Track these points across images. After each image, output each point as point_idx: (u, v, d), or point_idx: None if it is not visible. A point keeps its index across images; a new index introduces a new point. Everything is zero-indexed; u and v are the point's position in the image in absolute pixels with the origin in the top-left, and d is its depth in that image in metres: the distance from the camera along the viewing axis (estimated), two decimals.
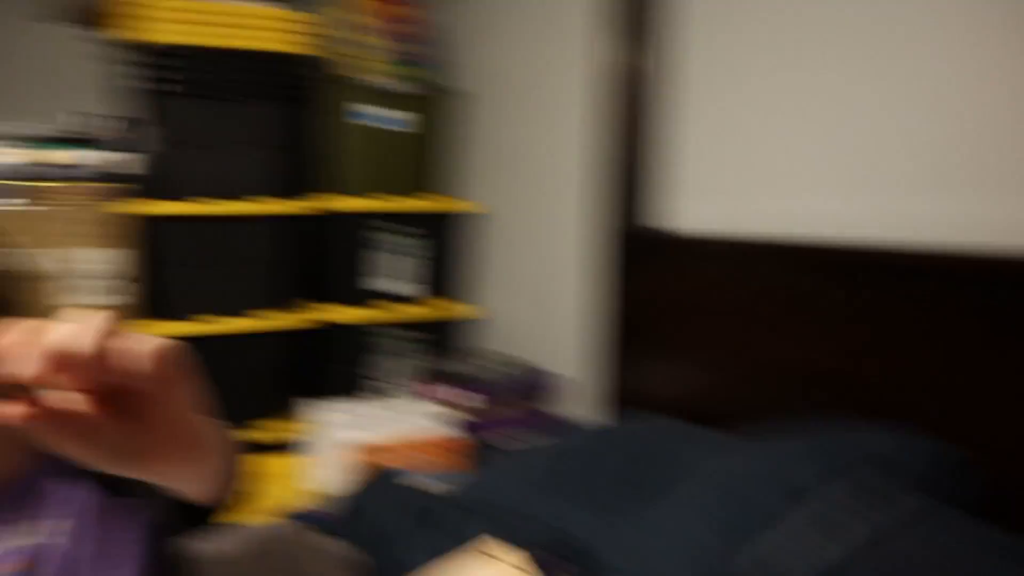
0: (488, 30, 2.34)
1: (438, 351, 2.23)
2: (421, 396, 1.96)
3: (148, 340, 0.42)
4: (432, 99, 2.28)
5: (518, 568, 0.93)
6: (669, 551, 0.90)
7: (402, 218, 2.23)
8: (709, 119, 1.47)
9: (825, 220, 1.23)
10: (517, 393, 1.88)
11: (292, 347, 2.15)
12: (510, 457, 1.36)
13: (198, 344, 0.87)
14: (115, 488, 0.80)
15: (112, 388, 0.42)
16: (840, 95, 1.23)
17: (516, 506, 1.08)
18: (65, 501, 0.80)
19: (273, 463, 1.67)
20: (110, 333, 0.41)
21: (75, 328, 0.40)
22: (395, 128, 2.24)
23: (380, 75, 2.23)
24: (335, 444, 1.58)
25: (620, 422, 1.45)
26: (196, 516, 0.61)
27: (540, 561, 0.94)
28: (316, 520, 1.17)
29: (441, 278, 2.32)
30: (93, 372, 0.40)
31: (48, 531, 0.79)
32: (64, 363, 0.39)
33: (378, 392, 2.09)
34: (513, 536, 0.98)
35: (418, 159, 2.29)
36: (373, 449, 1.57)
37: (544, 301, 2.06)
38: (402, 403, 1.89)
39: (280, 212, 2.08)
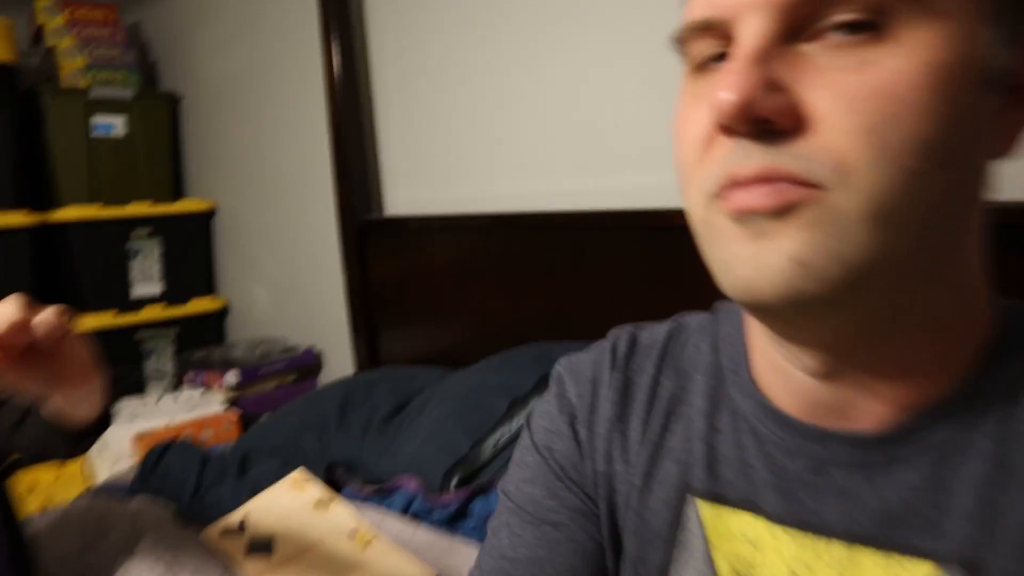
0: (193, 33, 2.46)
1: (193, 343, 2.36)
2: (185, 385, 2.10)
3: (49, 310, 0.67)
4: (141, 103, 2.36)
5: (322, 493, 1.19)
6: (428, 451, 1.20)
7: (135, 222, 2.31)
8: (413, 116, 1.79)
9: (511, 196, 1.60)
10: (274, 369, 2.08)
11: None
12: (274, 414, 1.58)
13: None
14: None
15: (32, 341, 0.67)
16: (515, 92, 1.60)
17: (294, 444, 1.34)
18: None
19: (59, 467, 1.74)
20: (28, 309, 0.66)
21: (9, 307, 0.64)
22: (108, 134, 2.29)
23: (85, 81, 2.26)
24: (116, 439, 1.69)
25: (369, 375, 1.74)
26: (82, 437, 0.84)
27: (329, 480, 1.22)
28: (114, 489, 1.33)
29: (183, 275, 2.43)
30: (25, 333, 0.64)
31: None
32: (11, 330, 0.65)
33: (145, 387, 2.18)
34: (298, 465, 1.24)
35: (137, 163, 2.36)
36: (152, 436, 1.71)
37: (285, 286, 2.27)
38: (168, 394, 2.02)
39: (5, 226, 2.06)
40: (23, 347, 0.69)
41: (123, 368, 2.22)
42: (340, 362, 2.08)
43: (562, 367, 0.59)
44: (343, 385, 1.54)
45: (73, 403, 0.79)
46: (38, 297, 2.09)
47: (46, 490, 1.74)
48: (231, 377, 2.00)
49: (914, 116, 0.35)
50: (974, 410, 0.40)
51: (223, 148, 2.41)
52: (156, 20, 2.63)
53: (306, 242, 2.13)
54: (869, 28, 0.35)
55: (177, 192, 2.53)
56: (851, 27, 0.35)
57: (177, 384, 2.21)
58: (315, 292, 2.13)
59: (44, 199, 2.25)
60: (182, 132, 2.57)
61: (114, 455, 1.69)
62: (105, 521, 1.14)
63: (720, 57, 0.39)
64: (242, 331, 2.47)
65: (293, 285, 2.24)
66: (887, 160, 0.35)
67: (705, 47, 0.39)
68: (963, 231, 0.40)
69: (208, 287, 2.51)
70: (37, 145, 2.22)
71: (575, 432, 0.55)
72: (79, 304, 2.22)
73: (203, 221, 2.48)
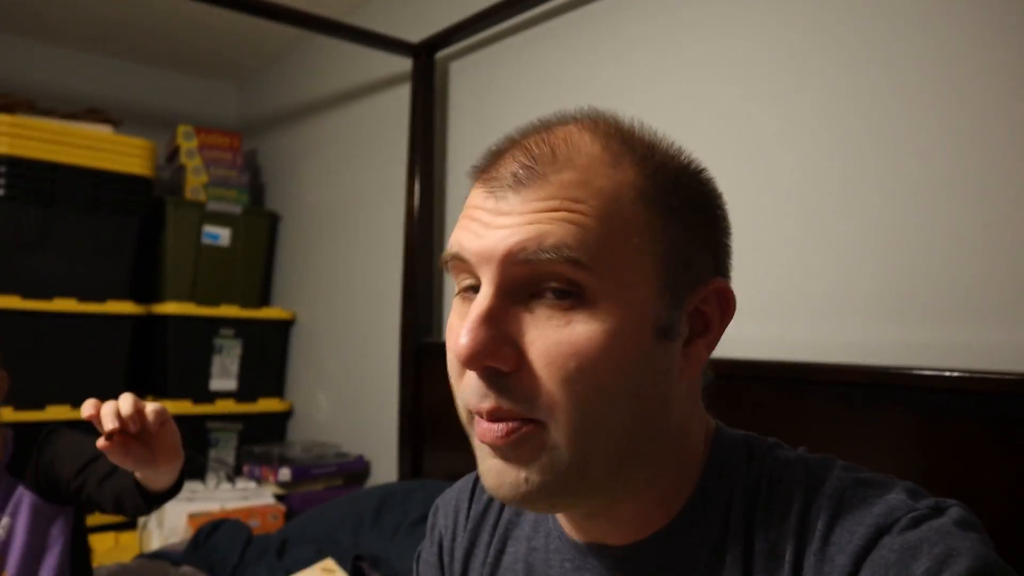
0: (299, 162, 2.80)
1: (256, 438, 2.54)
2: (243, 476, 2.27)
3: (152, 405, 0.87)
4: (246, 218, 2.68)
5: None
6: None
7: (223, 322, 2.57)
8: None
9: None
10: (325, 471, 2.23)
11: None
12: (318, 508, 1.72)
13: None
14: (48, 495, 1.16)
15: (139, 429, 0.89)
16: None
17: (330, 536, 1.47)
18: (4, 501, 1.15)
19: (122, 538, 1.91)
20: (135, 404, 0.86)
21: (120, 403, 0.84)
22: (215, 243, 2.60)
23: (203, 196, 2.60)
24: (172, 515, 1.86)
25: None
26: (157, 499, 1.04)
27: (355, 569, 1.34)
28: (165, 556, 1.48)
29: (257, 375, 2.65)
30: (134, 422, 0.86)
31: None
32: (123, 420, 0.86)
33: (206, 473, 2.35)
34: (329, 555, 1.37)
35: (234, 270, 2.65)
36: (205, 516, 1.87)
37: (345, 396, 2.45)
38: (226, 482, 2.19)
39: (114, 312, 2.34)
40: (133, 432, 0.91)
41: (189, 453, 2.41)
42: (386, 471, 2.21)
43: (439, 499, 0.74)
44: (383, 489, 1.68)
45: (157, 475, 1.01)
46: (131, 377, 2.32)
47: (104, 555, 1.90)
48: (284, 474, 2.16)
49: (598, 369, 0.47)
50: (690, 536, 0.54)
51: (309, 265, 2.69)
52: (270, 148, 3.02)
53: (369, 358, 2.33)
54: (574, 296, 0.47)
55: (263, 299, 2.81)
56: (560, 293, 0.47)
57: (236, 473, 2.38)
58: (372, 404, 2.29)
59: (151, 292, 2.55)
60: (276, 247, 2.87)
61: (168, 529, 1.85)
62: None
63: (475, 288, 0.51)
64: (302, 433, 2.65)
65: (353, 396, 2.41)
66: (580, 402, 0.47)
67: (462, 278, 0.52)
68: (663, 429, 0.52)
69: (277, 389, 2.73)
70: (155, 246, 2.54)
71: (441, 560, 0.70)
72: (163, 388, 2.46)
73: (282, 328, 2.73)
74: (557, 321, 0.47)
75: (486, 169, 0.52)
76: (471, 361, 0.47)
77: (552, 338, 0.47)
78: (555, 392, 0.47)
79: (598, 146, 0.50)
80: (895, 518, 0.48)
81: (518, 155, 0.50)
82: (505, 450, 0.49)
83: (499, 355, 0.48)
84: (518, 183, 0.49)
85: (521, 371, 0.48)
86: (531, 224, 0.47)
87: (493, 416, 0.49)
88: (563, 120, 0.54)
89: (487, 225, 0.49)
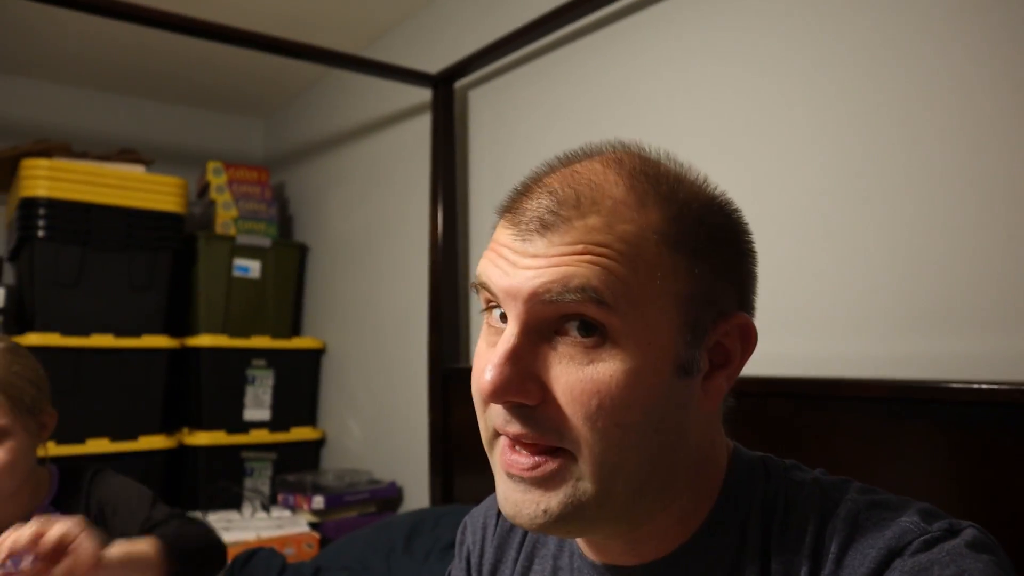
0: (326, 194, 2.85)
1: (290, 467, 2.57)
2: (278, 504, 2.29)
3: (56, 529, 0.94)
4: (275, 251, 2.73)
5: None
6: None
7: (255, 353, 2.61)
8: None
9: None
10: (359, 498, 2.24)
11: (168, 467, 2.43)
12: (350, 535, 1.73)
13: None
14: None
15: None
16: None
17: (359, 562, 1.48)
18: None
19: None
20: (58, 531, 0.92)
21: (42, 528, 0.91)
22: (245, 275, 2.65)
23: (233, 230, 2.66)
24: None
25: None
26: None
27: None
28: None
29: (290, 405, 2.68)
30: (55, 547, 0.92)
31: None
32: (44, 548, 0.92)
33: (242, 502, 2.38)
34: None
35: (265, 302, 2.70)
36: (241, 546, 1.89)
37: (377, 423, 2.47)
38: (261, 511, 2.22)
39: (150, 346, 2.39)
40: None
41: (224, 483, 2.45)
42: (418, 497, 2.22)
43: (467, 517, 0.75)
44: (414, 515, 1.69)
45: None
46: (166, 409, 2.37)
47: None
48: (318, 501, 2.18)
49: (620, 406, 0.48)
50: (706, 557, 0.55)
51: (338, 295, 2.73)
52: (296, 181, 3.08)
53: (399, 384, 2.35)
54: (597, 334, 0.49)
55: (294, 330, 2.85)
56: (584, 332, 0.49)
57: (271, 502, 2.41)
58: (402, 430, 2.31)
59: (185, 326, 2.61)
60: (305, 277, 2.92)
61: None
62: None
63: (503, 313, 0.53)
64: (335, 460, 2.67)
65: (384, 423, 2.43)
66: (602, 437, 0.49)
67: (488, 295, 0.54)
68: (681, 458, 0.53)
69: (310, 418, 2.76)
70: (187, 280, 2.60)
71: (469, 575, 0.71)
72: (198, 419, 2.50)
73: (313, 358, 2.76)
74: (580, 359, 0.49)
75: (512, 208, 0.54)
76: (494, 397, 0.49)
77: (575, 376, 0.49)
78: (579, 427, 0.49)
79: (623, 188, 0.51)
80: (907, 541, 0.48)
81: (543, 198, 0.51)
82: (528, 482, 0.51)
83: (523, 390, 0.49)
84: (544, 227, 0.50)
85: (546, 404, 0.50)
86: (557, 267, 0.49)
87: (520, 440, 0.51)
88: (589, 155, 0.56)
89: (514, 264, 0.51)
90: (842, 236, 1.23)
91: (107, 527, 1.23)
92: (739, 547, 0.54)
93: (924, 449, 1.04)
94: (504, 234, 0.53)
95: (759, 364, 1.27)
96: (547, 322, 0.50)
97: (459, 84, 2.13)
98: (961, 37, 1.10)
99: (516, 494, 0.51)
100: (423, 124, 2.25)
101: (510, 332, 0.51)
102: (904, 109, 1.16)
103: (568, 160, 0.56)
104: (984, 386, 0.98)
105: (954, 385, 1.01)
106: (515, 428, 0.50)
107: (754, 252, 0.57)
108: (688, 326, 0.51)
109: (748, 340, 0.55)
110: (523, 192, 0.54)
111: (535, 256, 0.50)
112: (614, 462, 0.49)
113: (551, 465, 0.50)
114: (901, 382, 1.07)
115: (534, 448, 0.51)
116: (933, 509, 0.52)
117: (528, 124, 1.92)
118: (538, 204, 0.51)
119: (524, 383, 0.49)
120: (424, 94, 2.19)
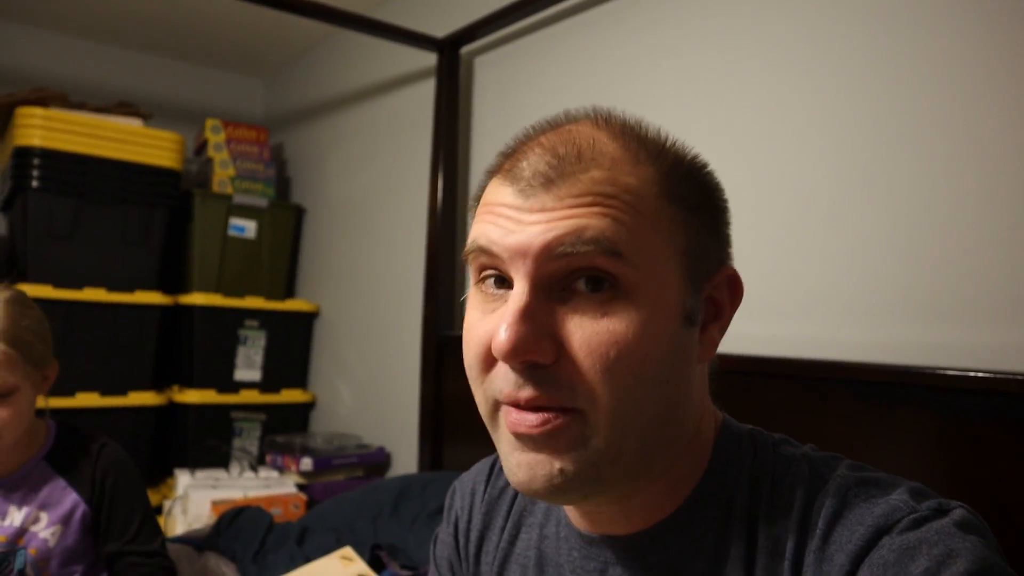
0: (325, 157, 2.83)
1: (279, 428, 2.58)
2: (266, 465, 2.30)
3: None
4: (272, 212, 2.71)
5: (364, 569, 1.33)
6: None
7: (248, 313, 2.60)
8: None
9: None
10: (346, 462, 2.25)
11: (157, 424, 2.43)
12: (338, 497, 1.74)
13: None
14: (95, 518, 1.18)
15: None
16: None
17: (346, 524, 1.49)
18: (58, 505, 1.16)
19: None
20: None
21: None
22: (241, 235, 2.63)
23: (230, 189, 2.64)
24: (196, 502, 1.89)
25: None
26: None
27: (373, 557, 1.36)
28: (188, 541, 1.50)
29: (281, 367, 2.68)
30: None
31: (42, 525, 1.14)
32: None
33: (230, 462, 2.39)
34: (348, 543, 1.39)
35: (259, 263, 2.69)
36: (228, 504, 1.90)
37: (367, 388, 2.47)
38: (249, 471, 2.22)
39: (143, 302, 2.38)
40: None
41: (213, 442, 2.45)
42: (406, 463, 2.23)
43: (456, 482, 0.75)
44: (403, 479, 1.69)
45: None
46: (157, 366, 2.37)
47: None
48: (306, 463, 2.19)
49: (637, 357, 0.48)
50: (693, 527, 0.55)
51: (333, 258, 2.71)
52: (296, 143, 3.05)
53: (392, 351, 2.35)
54: (610, 287, 0.49)
55: (288, 292, 2.84)
56: (595, 286, 0.49)
57: (259, 463, 2.42)
58: (393, 396, 2.32)
59: (178, 283, 2.59)
60: (301, 240, 2.90)
61: (192, 515, 1.88)
62: (179, 565, 1.31)
63: (498, 279, 0.52)
64: (324, 424, 2.68)
65: (375, 388, 2.44)
66: (619, 389, 0.48)
67: (485, 270, 0.53)
68: (685, 413, 0.54)
69: (301, 380, 2.76)
70: (182, 238, 2.58)
71: (456, 540, 0.71)
72: (189, 378, 2.50)
73: (306, 320, 2.76)
74: (595, 312, 0.49)
75: (507, 169, 0.53)
76: (512, 356, 0.48)
77: (591, 328, 0.48)
78: (595, 380, 0.48)
79: (616, 144, 0.52)
80: (896, 519, 0.48)
81: (543, 154, 0.51)
82: (539, 440, 0.49)
83: (539, 349, 0.48)
84: (548, 181, 0.50)
85: (560, 362, 0.49)
86: (568, 219, 0.48)
87: (531, 404, 0.49)
88: (574, 119, 0.55)
89: (519, 222, 0.50)
90: (841, 222, 1.22)
91: (98, 506, 1.23)
92: (726, 519, 0.54)
93: (915, 434, 1.04)
94: (502, 193, 0.52)
95: (754, 344, 1.27)
96: (557, 278, 0.50)
97: (465, 50, 2.10)
98: (964, 26, 1.09)
99: (527, 456, 0.50)
100: (427, 90, 2.22)
101: (519, 290, 0.50)
102: (905, 98, 1.15)
103: (554, 124, 0.56)
104: (977, 374, 0.98)
105: (947, 372, 1.01)
106: (527, 392, 0.49)
107: (729, 212, 0.58)
108: (689, 278, 0.52)
109: (736, 291, 0.56)
110: (516, 152, 0.54)
111: (542, 211, 0.49)
112: (628, 416, 0.49)
113: (560, 421, 0.49)
114: (895, 367, 1.07)
115: (546, 409, 0.50)
116: (923, 488, 0.52)
117: (534, 93, 1.90)
118: (538, 160, 0.51)
119: (540, 341, 0.48)
120: (429, 59, 2.16)
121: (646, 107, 1.57)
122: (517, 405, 0.50)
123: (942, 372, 1.02)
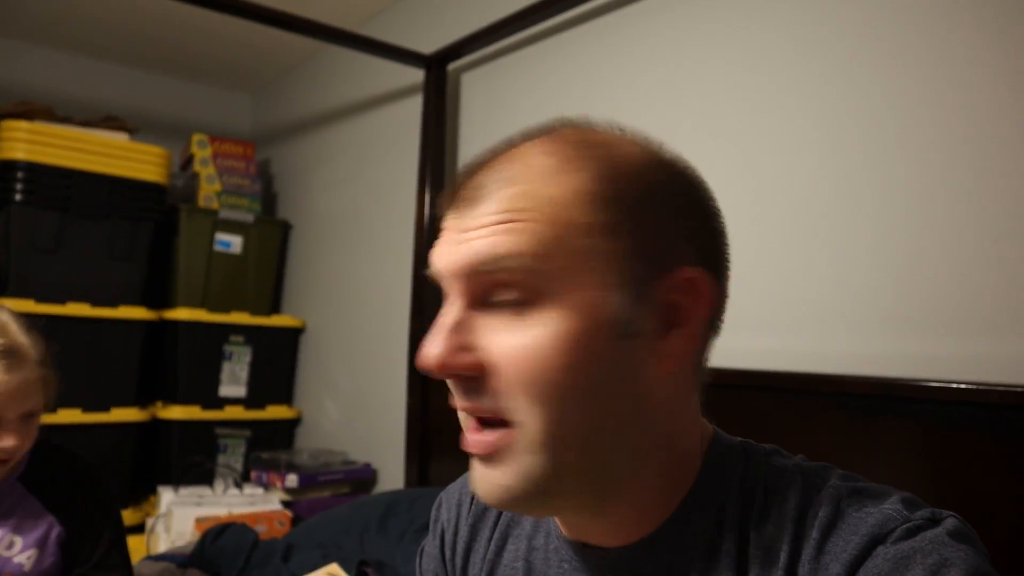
0: (311, 173, 2.83)
1: (264, 444, 2.55)
2: (251, 482, 2.28)
3: None
4: (258, 227, 2.70)
5: None
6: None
7: (233, 329, 2.58)
8: None
9: None
10: (332, 478, 2.23)
11: (140, 441, 2.40)
12: (324, 513, 1.73)
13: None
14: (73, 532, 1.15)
15: None
16: None
17: (332, 541, 1.47)
18: (33, 529, 1.14)
19: (129, 541, 1.91)
20: None
21: None
22: (227, 250, 2.62)
23: (216, 204, 2.63)
24: (180, 519, 1.87)
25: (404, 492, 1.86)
26: None
27: (360, 574, 1.35)
28: (171, 559, 1.48)
29: (266, 382, 2.66)
30: None
31: (16, 550, 1.12)
32: None
33: (214, 478, 2.36)
34: (335, 560, 1.37)
35: (245, 278, 2.67)
36: (212, 520, 1.87)
37: (354, 405, 2.46)
38: (233, 487, 2.20)
39: (127, 317, 2.36)
40: None
41: (197, 458, 2.43)
42: (392, 480, 2.21)
43: (442, 494, 0.75)
44: (390, 495, 1.68)
45: None
46: (141, 382, 2.34)
47: None
48: (292, 480, 2.17)
49: (553, 370, 0.48)
50: (683, 539, 0.54)
51: (319, 274, 2.71)
52: (283, 158, 3.04)
53: (378, 367, 2.34)
54: (525, 301, 0.49)
55: (274, 307, 2.83)
56: (511, 300, 0.49)
57: (243, 479, 2.39)
58: (380, 412, 2.30)
59: (163, 298, 2.58)
60: (287, 255, 2.89)
61: (175, 532, 1.86)
62: None
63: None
64: (310, 440, 2.66)
65: (361, 404, 2.42)
66: (541, 403, 0.48)
67: (438, 279, 0.54)
68: (643, 427, 0.52)
69: (286, 396, 2.74)
70: (168, 253, 2.56)
71: (443, 553, 0.71)
72: (173, 393, 2.47)
73: (292, 336, 2.74)
74: (512, 325, 0.50)
75: (450, 191, 0.55)
76: (435, 370, 0.50)
77: (508, 343, 0.49)
78: (519, 392, 0.49)
79: (551, 157, 0.52)
80: (890, 528, 0.48)
81: (477, 176, 0.53)
82: (483, 458, 0.52)
83: (458, 363, 0.50)
84: (472, 201, 0.52)
85: (488, 376, 0.50)
86: (483, 237, 0.50)
87: (473, 414, 0.52)
88: (527, 137, 0.56)
89: (451, 242, 0.53)
90: (831, 233, 1.23)
91: (66, 515, 1.20)
92: (717, 531, 0.54)
93: (901, 446, 1.05)
94: (445, 216, 0.55)
95: (741, 357, 1.28)
96: (481, 294, 0.51)
97: (452, 66, 2.11)
98: (959, 31, 1.11)
99: (478, 470, 0.53)
100: (414, 106, 2.23)
101: (448, 307, 0.52)
102: (899, 105, 1.17)
103: (506, 144, 0.57)
104: (962, 386, 0.99)
105: (932, 384, 1.02)
106: (463, 402, 0.51)
107: (711, 206, 0.56)
108: (627, 284, 0.50)
109: (699, 295, 0.52)
110: (463, 174, 0.56)
111: (466, 231, 0.51)
112: (557, 431, 0.49)
113: (491, 437, 0.51)
114: (880, 379, 1.08)
115: (484, 423, 0.51)
116: (914, 498, 0.52)
117: (521, 109, 1.91)
118: (468, 182, 0.54)
119: (458, 354, 0.50)
120: (416, 75, 2.17)
121: (632, 120, 1.58)
122: (463, 411, 0.52)
123: (926, 384, 1.03)
